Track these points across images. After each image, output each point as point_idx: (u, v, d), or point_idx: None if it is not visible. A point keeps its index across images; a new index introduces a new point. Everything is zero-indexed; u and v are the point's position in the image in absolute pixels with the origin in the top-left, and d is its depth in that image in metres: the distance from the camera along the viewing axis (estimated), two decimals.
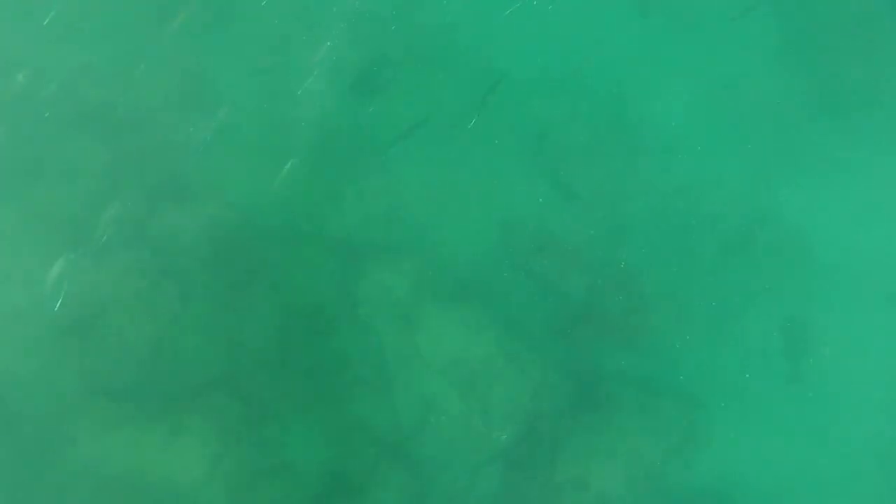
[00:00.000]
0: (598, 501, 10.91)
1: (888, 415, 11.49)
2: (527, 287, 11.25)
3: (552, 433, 10.93)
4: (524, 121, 11.95)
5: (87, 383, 10.58)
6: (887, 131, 12.78)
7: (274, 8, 12.03)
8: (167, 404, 10.53)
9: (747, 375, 11.66)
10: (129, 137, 11.11)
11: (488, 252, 11.28)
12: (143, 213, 10.86)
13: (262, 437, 10.53)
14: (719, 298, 11.88)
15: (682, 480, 11.19)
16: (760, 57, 12.71)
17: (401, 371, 10.67)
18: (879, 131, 12.74)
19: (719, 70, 12.54)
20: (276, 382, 10.60)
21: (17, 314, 10.63)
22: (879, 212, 12.48)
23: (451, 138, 11.71)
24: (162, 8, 11.79)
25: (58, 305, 10.56)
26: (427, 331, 10.82)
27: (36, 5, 11.62)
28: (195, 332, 10.61)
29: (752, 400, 11.64)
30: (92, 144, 11.08)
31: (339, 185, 11.28)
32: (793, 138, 12.57)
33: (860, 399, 11.50)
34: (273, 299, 10.73)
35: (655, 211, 11.87)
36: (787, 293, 12.08)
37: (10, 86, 11.26)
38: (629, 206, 11.82)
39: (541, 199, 11.66)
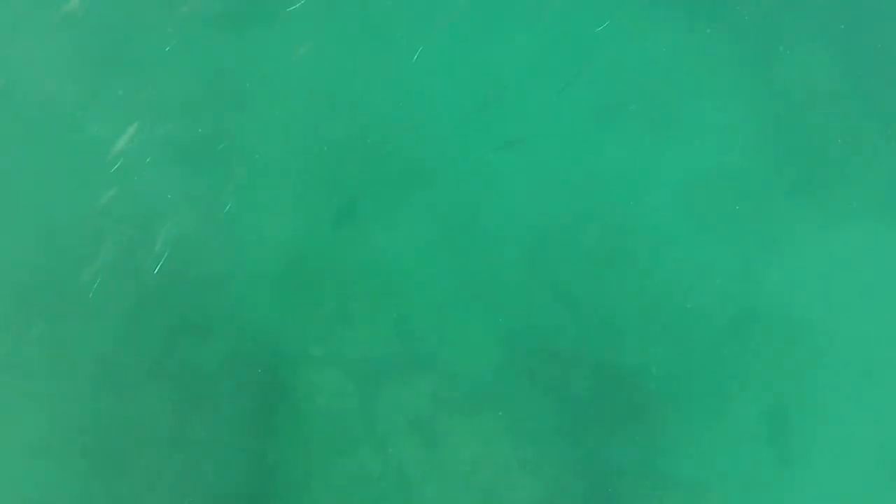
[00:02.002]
0: None
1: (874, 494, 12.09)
2: (534, 393, 11.80)
3: None
4: (520, 232, 12.59)
5: None
6: (864, 207, 13.48)
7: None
8: None
9: (745, 460, 12.22)
10: (151, 276, 11.67)
11: (495, 362, 11.84)
12: (166, 346, 11.35)
13: None
14: (716, 388, 12.46)
15: None
16: (737, 147, 13.46)
17: (422, 483, 11.14)
18: (857, 208, 13.45)
19: (699, 165, 13.27)
20: (304, 503, 11.04)
21: (48, 446, 11.07)
22: (860, 289, 13.13)
23: (451, 253, 12.32)
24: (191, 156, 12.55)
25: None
26: (444, 443, 11.32)
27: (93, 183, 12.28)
28: (222, 458, 11.06)
29: (750, 484, 12.18)
30: (115, 284, 11.64)
31: (350, 307, 11.83)
32: (774, 223, 13.25)
33: (849, 479, 12.10)
34: (296, 423, 11.21)
35: (650, 309, 12.48)
36: (779, 378, 12.68)
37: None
38: (625, 306, 12.42)
39: (540, 306, 12.26)
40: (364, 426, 11.28)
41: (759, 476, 12.36)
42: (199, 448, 11.06)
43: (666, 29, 13.93)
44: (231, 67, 12.91)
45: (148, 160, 12.20)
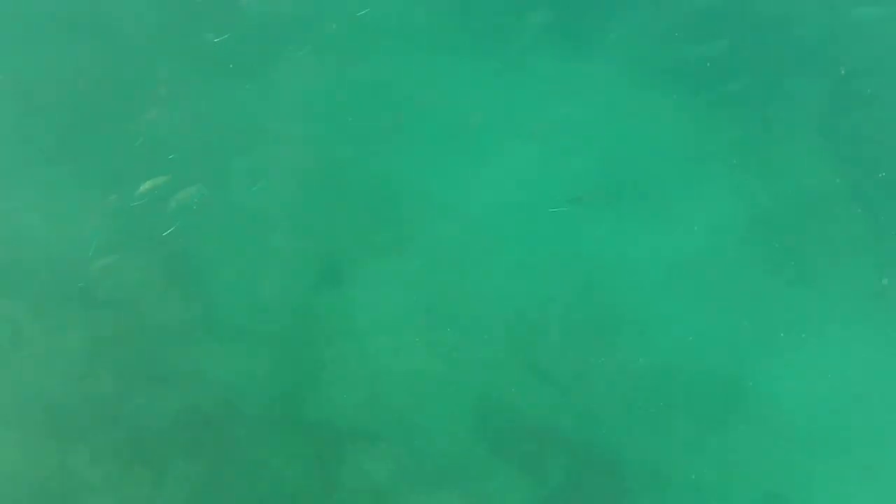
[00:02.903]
0: None
1: None
2: (505, 471, 11.20)
3: None
4: (502, 307, 12.23)
5: None
6: (855, 297, 13.19)
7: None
8: None
9: None
10: (110, 319, 11.21)
11: (466, 437, 11.29)
12: (119, 395, 10.79)
13: None
14: (698, 475, 11.87)
15: None
16: (728, 234, 13.25)
17: None
18: (847, 298, 13.15)
19: (689, 247, 13.03)
20: None
21: None
22: (853, 381, 12.71)
23: (428, 323, 11.91)
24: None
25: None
26: None
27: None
28: None
29: None
30: (72, 324, 11.16)
31: (319, 369, 11.34)
32: (764, 310, 12.93)
33: None
34: (249, 484, 10.58)
35: (631, 390, 12.01)
36: (765, 467, 12.12)
37: None
38: (605, 386, 11.95)
39: (517, 383, 11.76)
40: (321, 494, 10.62)
41: None
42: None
43: (662, 116, 13.92)
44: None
45: None
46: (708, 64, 14.55)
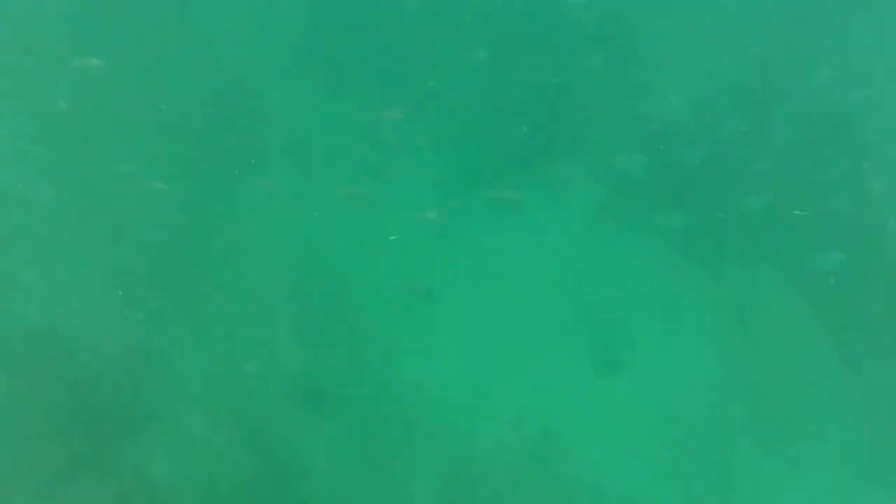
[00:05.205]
0: None
1: None
2: None
3: None
4: None
5: None
6: (824, 467, 13.38)
7: None
8: None
9: None
10: None
11: None
12: None
13: None
14: None
15: None
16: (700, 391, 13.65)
17: None
18: (816, 468, 13.35)
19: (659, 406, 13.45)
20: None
21: None
22: None
23: None
24: None
25: None
26: None
27: None
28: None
29: None
30: None
31: None
32: (731, 478, 13.26)
33: None
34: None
35: None
36: None
37: None
38: None
39: None
40: None
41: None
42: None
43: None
44: None
45: None
46: None
